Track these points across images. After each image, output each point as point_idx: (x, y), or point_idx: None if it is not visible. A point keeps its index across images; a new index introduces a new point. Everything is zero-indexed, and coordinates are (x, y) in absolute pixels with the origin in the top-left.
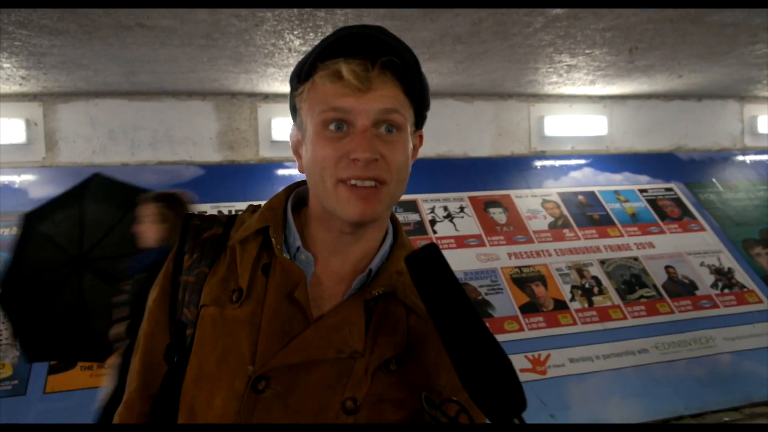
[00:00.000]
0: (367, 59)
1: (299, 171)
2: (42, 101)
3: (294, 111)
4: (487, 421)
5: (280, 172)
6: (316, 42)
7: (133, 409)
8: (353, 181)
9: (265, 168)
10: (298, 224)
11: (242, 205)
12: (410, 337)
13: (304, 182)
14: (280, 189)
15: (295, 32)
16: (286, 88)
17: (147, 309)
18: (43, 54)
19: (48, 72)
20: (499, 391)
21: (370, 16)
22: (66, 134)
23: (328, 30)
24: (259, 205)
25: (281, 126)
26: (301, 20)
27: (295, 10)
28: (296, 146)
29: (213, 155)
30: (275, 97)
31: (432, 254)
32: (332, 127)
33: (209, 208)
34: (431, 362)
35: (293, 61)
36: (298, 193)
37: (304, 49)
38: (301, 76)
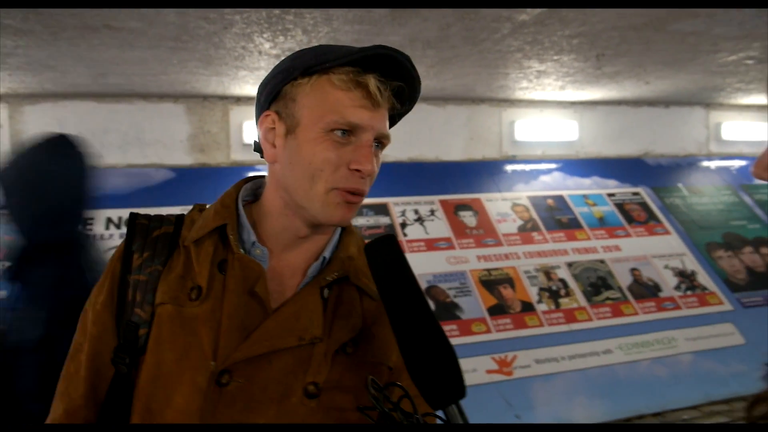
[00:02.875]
0: (385, 77)
1: (268, 160)
2: (8, 102)
3: (274, 96)
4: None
5: (252, 175)
6: (287, 45)
7: (76, 418)
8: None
9: (237, 171)
10: (251, 220)
11: None
12: (364, 319)
13: (251, 178)
14: None
15: (265, 35)
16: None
17: (92, 311)
18: (8, 54)
19: (13, 73)
20: (440, 377)
21: (339, 20)
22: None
23: (298, 33)
24: (205, 205)
25: (253, 129)
26: (270, 23)
27: (264, 12)
28: (267, 133)
29: (184, 158)
30: (247, 100)
31: (389, 243)
32: (338, 133)
33: (180, 211)
34: (384, 341)
35: (264, 64)
36: (246, 189)
37: (274, 52)
38: (311, 70)
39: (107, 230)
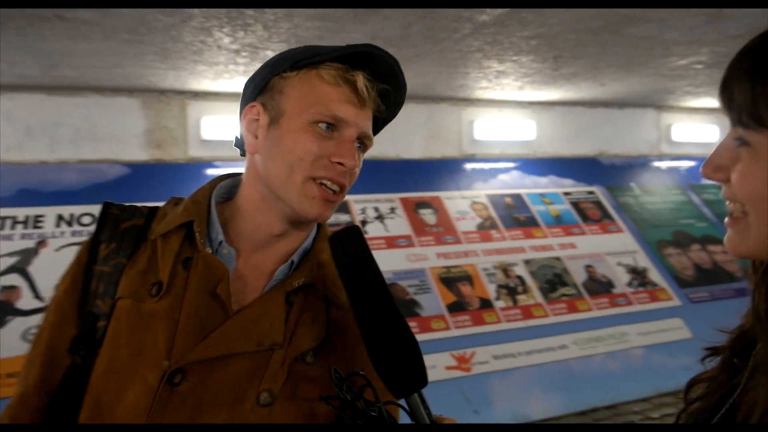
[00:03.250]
0: (372, 78)
1: (249, 151)
2: None
3: (261, 88)
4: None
5: (210, 171)
6: (247, 41)
7: (27, 405)
8: (326, 182)
9: (194, 168)
10: (222, 218)
11: None
12: (329, 329)
13: (227, 176)
14: None
15: (224, 30)
16: (216, 87)
17: (54, 299)
18: None
19: None
20: (402, 366)
21: (300, 16)
22: None
23: (258, 28)
24: (182, 198)
25: (211, 125)
26: (230, 18)
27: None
28: (250, 124)
29: (139, 154)
30: (205, 95)
31: (353, 234)
32: (322, 126)
33: None
34: (349, 354)
35: (223, 59)
36: (221, 188)
37: (234, 47)
38: (300, 63)
39: (58, 228)
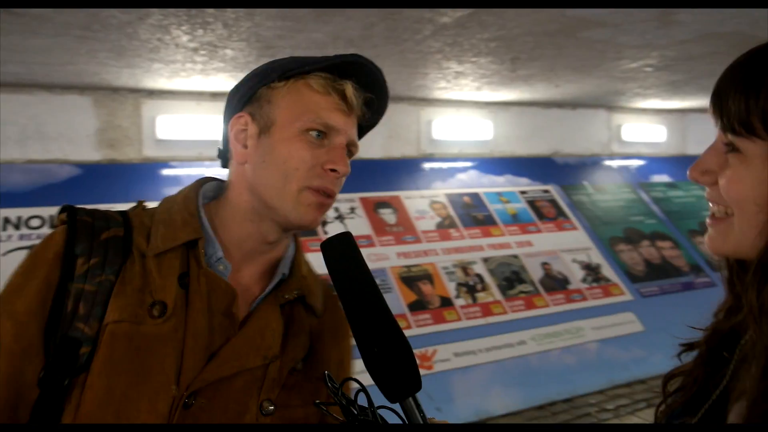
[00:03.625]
0: (360, 88)
1: (239, 161)
2: None
3: (248, 99)
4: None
5: (166, 172)
6: (206, 39)
7: None
8: (321, 190)
9: (149, 168)
10: (212, 229)
11: (124, 207)
12: (310, 337)
13: (207, 180)
14: (166, 189)
15: (183, 28)
16: (172, 85)
17: (10, 321)
18: None
19: None
20: (396, 371)
21: (261, 16)
22: None
23: (218, 27)
24: (143, 203)
25: (167, 124)
26: (189, 15)
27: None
28: (238, 134)
29: (91, 154)
30: (161, 93)
31: (346, 240)
32: (313, 134)
33: None
34: (325, 359)
35: (180, 57)
36: (203, 195)
37: (192, 45)
38: (288, 73)
39: (4, 231)
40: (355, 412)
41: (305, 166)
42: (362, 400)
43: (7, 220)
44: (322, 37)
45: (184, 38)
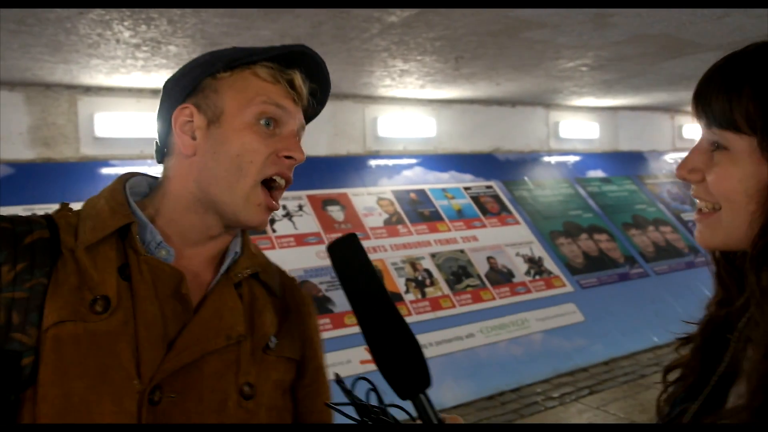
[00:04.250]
0: (305, 78)
1: (186, 153)
2: None
3: (191, 90)
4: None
5: (105, 170)
6: (149, 35)
7: None
8: (276, 177)
9: (88, 167)
10: (148, 217)
11: None
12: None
13: (132, 175)
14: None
15: (125, 23)
16: (111, 81)
17: None
18: None
19: None
20: (407, 369)
21: (208, 12)
22: None
23: (163, 23)
24: (68, 205)
25: (106, 121)
26: (133, 11)
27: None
28: (184, 126)
29: (24, 152)
30: (99, 90)
31: (351, 241)
32: (263, 122)
33: (22, 211)
34: (292, 337)
35: (121, 53)
36: (132, 186)
37: (134, 41)
38: (234, 63)
39: None
40: (371, 412)
41: (260, 158)
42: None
43: None
44: (269, 35)
45: (126, 34)
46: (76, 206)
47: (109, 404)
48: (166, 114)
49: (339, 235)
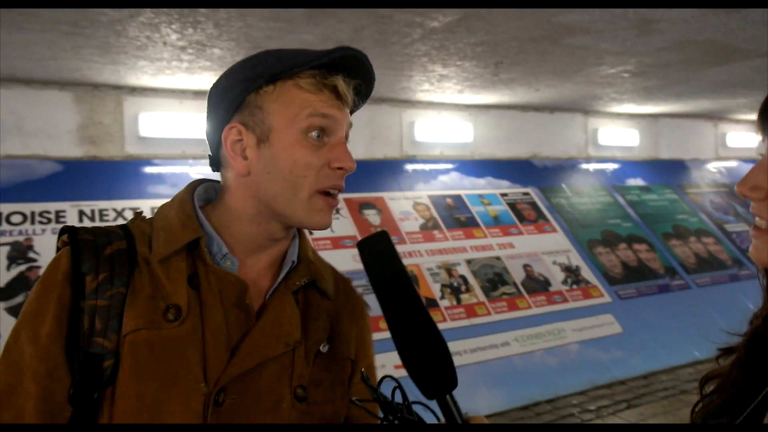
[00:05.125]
0: (348, 78)
1: (240, 173)
2: None
3: (237, 107)
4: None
5: (148, 169)
6: (195, 38)
7: None
8: (330, 190)
9: (132, 165)
10: (213, 228)
11: (106, 204)
12: (328, 319)
13: (200, 182)
14: (149, 187)
15: (173, 26)
16: (156, 82)
17: (32, 346)
18: None
19: None
20: (434, 369)
21: (253, 16)
22: None
23: (209, 26)
24: (141, 213)
25: (150, 121)
26: (181, 14)
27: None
28: (234, 145)
29: (72, 150)
30: (144, 90)
31: (382, 239)
32: (313, 134)
33: (68, 207)
34: (345, 338)
35: (167, 55)
36: (198, 195)
37: (180, 44)
38: (276, 77)
39: None
40: (396, 409)
41: (312, 172)
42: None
43: None
44: (311, 39)
45: (174, 36)
46: (121, 204)
47: (178, 404)
48: (214, 129)
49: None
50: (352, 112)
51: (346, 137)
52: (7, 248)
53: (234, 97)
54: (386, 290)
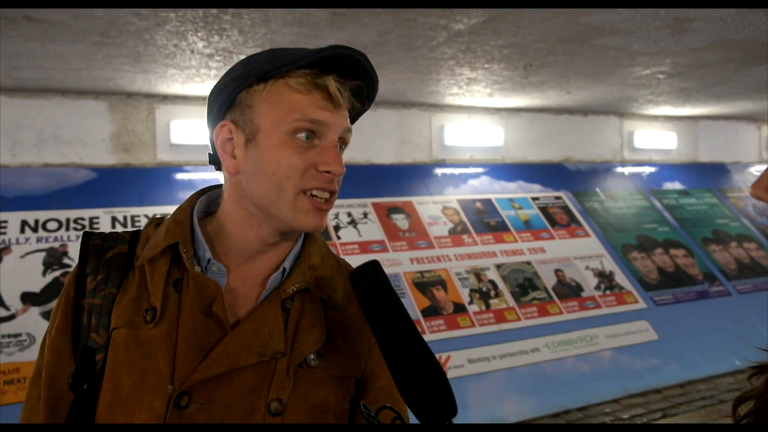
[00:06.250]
0: (343, 77)
1: (229, 172)
2: None
3: (229, 105)
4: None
5: (180, 176)
6: (222, 45)
7: None
8: (315, 192)
9: (163, 172)
10: (206, 235)
11: (138, 211)
12: (329, 330)
13: (205, 190)
14: (180, 193)
15: (199, 34)
16: (186, 90)
17: (49, 337)
18: None
19: None
20: (432, 398)
21: (277, 22)
22: None
23: (234, 33)
24: (163, 217)
25: (181, 129)
26: (206, 22)
27: (200, 11)
28: (224, 144)
29: (106, 158)
30: (174, 98)
31: (373, 269)
32: (302, 136)
33: (102, 214)
34: (351, 353)
35: (195, 63)
36: (201, 203)
37: (207, 51)
38: (266, 75)
39: (22, 233)
40: None
41: (297, 173)
42: None
43: (24, 223)
44: (336, 43)
45: (200, 44)
46: (153, 210)
47: (146, 401)
48: (211, 128)
49: (402, 243)
50: (355, 117)
51: (345, 142)
52: (43, 254)
53: (226, 95)
54: (381, 321)
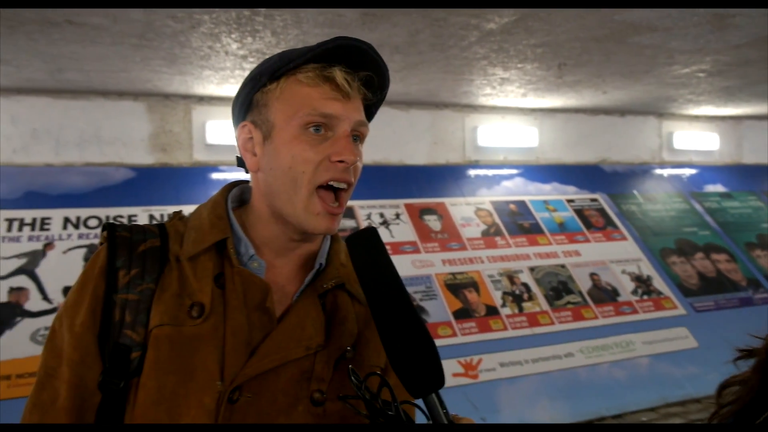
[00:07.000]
0: (352, 69)
1: (251, 169)
2: None
3: (248, 106)
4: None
5: (215, 175)
6: (255, 47)
7: None
8: (332, 183)
9: (199, 171)
10: (243, 230)
11: (174, 209)
12: (357, 324)
13: (235, 184)
14: (214, 192)
15: (233, 36)
16: (221, 91)
17: (69, 333)
18: None
19: None
20: (420, 367)
21: (309, 23)
22: None
23: (267, 35)
24: (180, 212)
25: (216, 129)
26: (239, 24)
27: (233, 13)
28: (246, 143)
29: (145, 157)
30: (210, 99)
31: (371, 235)
32: (312, 129)
33: (140, 212)
34: (375, 344)
35: (230, 64)
36: (232, 196)
37: (241, 53)
38: (277, 74)
39: (65, 230)
40: (379, 406)
41: (311, 166)
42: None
43: (67, 220)
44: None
45: (234, 46)
46: (189, 209)
47: (193, 399)
48: (235, 131)
49: (434, 244)
50: (371, 110)
51: (361, 136)
52: (84, 250)
53: (244, 97)
54: (374, 287)
